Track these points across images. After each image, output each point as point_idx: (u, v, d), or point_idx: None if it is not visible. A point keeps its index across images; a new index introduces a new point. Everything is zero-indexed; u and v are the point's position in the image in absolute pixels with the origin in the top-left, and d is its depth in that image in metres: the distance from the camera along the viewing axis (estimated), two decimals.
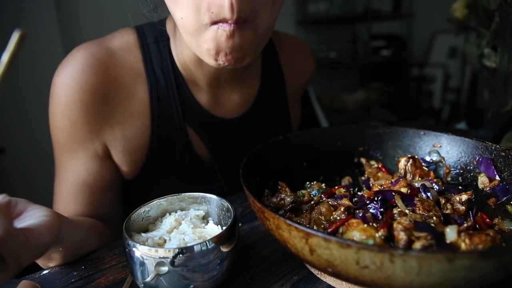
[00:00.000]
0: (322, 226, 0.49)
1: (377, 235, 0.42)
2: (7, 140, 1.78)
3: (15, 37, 0.32)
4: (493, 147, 0.55)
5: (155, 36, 0.67)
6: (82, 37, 2.03)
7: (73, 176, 0.65)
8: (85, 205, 0.66)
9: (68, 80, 0.61)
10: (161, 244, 0.47)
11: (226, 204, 0.52)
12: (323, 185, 0.59)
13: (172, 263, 0.42)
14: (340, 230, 0.46)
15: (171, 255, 0.42)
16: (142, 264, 0.43)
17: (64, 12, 2.00)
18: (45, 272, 0.54)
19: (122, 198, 0.74)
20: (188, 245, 0.43)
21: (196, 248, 0.43)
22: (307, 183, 0.61)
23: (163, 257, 0.42)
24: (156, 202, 0.54)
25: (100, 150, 0.65)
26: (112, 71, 0.63)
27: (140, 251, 0.43)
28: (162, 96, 0.67)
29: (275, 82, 0.82)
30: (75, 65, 0.62)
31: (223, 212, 0.53)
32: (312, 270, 0.51)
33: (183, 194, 0.55)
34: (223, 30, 0.51)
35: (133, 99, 0.65)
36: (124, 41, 0.66)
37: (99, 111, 0.63)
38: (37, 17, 1.86)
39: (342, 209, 0.49)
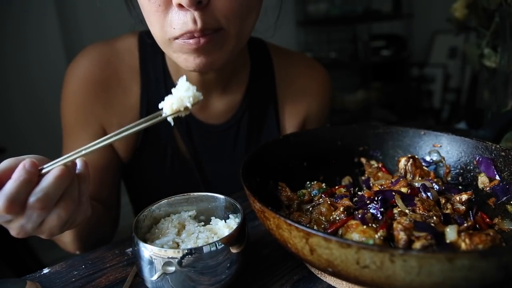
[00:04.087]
0: (323, 226, 0.49)
1: (376, 236, 0.42)
2: (7, 140, 1.78)
3: None
4: (493, 147, 0.55)
5: (153, 41, 0.74)
6: (82, 39, 2.05)
7: None
8: None
9: (78, 72, 0.71)
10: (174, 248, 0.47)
11: (235, 204, 0.52)
12: (323, 185, 0.59)
13: (179, 263, 0.42)
14: (340, 232, 0.46)
15: (179, 255, 0.42)
16: (151, 263, 0.43)
17: (65, 15, 2.01)
18: (45, 271, 0.54)
19: (119, 185, 0.81)
20: (198, 245, 0.43)
21: (206, 249, 0.42)
22: (308, 183, 0.61)
23: (171, 257, 0.42)
24: (164, 201, 0.53)
25: (100, 133, 0.73)
26: (114, 67, 0.72)
27: (149, 251, 0.43)
28: (152, 93, 0.74)
29: (264, 96, 0.82)
30: (85, 60, 0.72)
31: (231, 213, 0.53)
32: (312, 270, 0.51)
33: (190, 194, 0.55)
34: (189, 44, 0.55)
35: (128, 92, 0.74)
36: (126, 43, 0.75)
37: (100, 98, 0.72)
38: (39, 20, 1.87)
39: (341, 209, 0.49)
